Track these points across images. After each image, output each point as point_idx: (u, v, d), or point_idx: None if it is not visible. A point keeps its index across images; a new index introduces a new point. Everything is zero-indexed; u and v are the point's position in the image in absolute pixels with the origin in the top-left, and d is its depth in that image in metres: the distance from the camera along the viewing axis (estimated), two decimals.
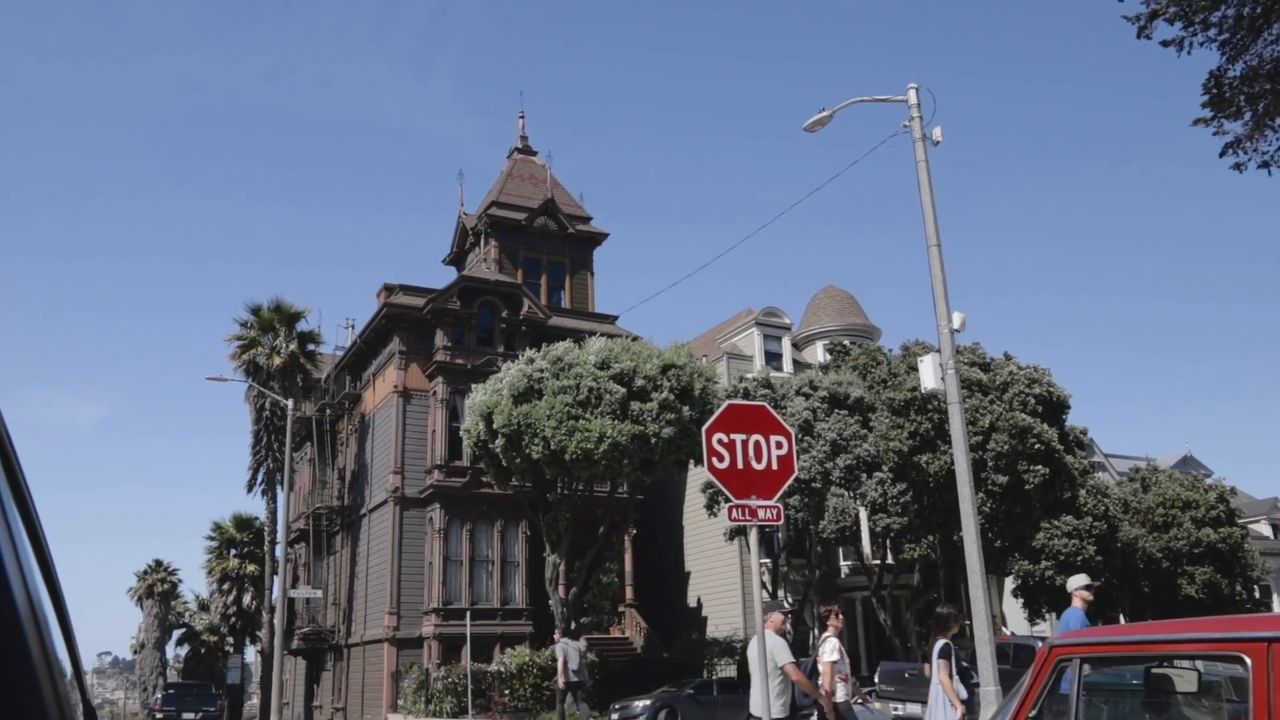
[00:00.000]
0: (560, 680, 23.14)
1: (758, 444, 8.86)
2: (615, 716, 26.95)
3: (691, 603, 39.93)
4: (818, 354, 42.37)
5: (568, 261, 44.35)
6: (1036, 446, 31.32)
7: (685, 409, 27.54)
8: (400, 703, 32.00)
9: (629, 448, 26.26)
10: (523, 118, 49.71)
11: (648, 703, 26.68)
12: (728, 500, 9.06)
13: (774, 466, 8.86)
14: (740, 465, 8.75)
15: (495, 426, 26.93)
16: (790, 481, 9.19)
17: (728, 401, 9.26)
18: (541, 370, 27.45)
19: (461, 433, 29.48)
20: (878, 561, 36.32)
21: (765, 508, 8.82)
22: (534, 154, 48.32)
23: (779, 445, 8.94)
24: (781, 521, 9.69)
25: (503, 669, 30.39)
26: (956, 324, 14.20)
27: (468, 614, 30.74)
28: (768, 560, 35.84)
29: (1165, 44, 22.75)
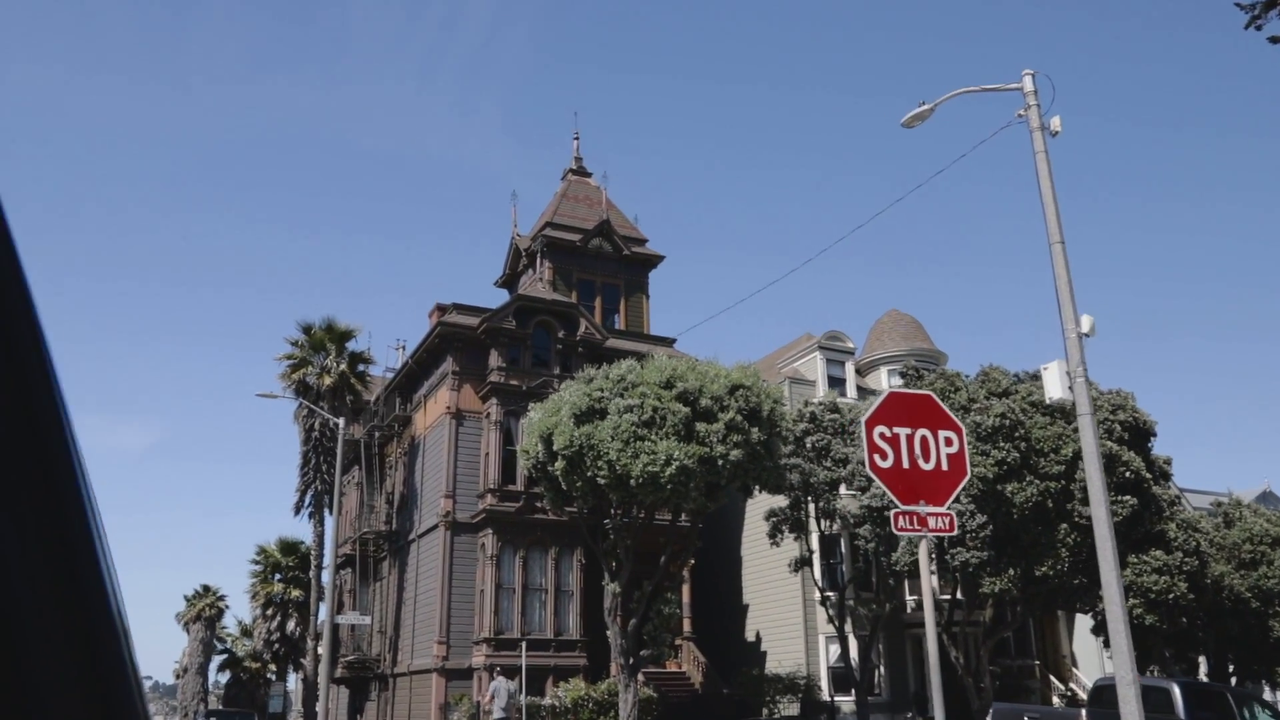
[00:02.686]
0: (483, 716, 25.27)
1: (924, 440, 7.53)
2: None
3: (750, 637, 38.31)
4: (882, 380, 40.81)
5: (622, 284, 43.24)
6: (1126, 475, 29.58)
7: (754, 431, 26.14)
8: None
9: (695, 471, 24.89)
10: (577, 139, 48.85)
11: None
12: (893, 506, 7.67)
13: (944, 466, 7.52)
14: (906, 464, 7.42)
15: (555, 448, 25.66)
16: (964, 485, 7.81)
17: (888, 389, 7.90)
18: (603, 390, 26.19)
19: (518, 454, 28.26)
20: (947, 596, 34.57)
21: (936, 515, 7.47)
22: (588, 175, 47.41)
23: (949, 442, 7.60)
24: (955, 531, 8.29)
25: (557, 703, 29.00)
26: (1085, 328, 12.77)
27: (522, 644, 29.38)
28: (832, 593, 34.21)
29: (1275, 40, 21.13)
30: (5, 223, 0.91)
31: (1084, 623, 44.75)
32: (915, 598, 37.83)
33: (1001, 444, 29.36)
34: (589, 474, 25.37)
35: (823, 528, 33.22)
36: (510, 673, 31.64)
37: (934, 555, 29.54)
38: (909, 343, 41.02)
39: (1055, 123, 14.12)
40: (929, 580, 7.84)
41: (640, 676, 27.61)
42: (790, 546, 34.80)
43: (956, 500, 29.68)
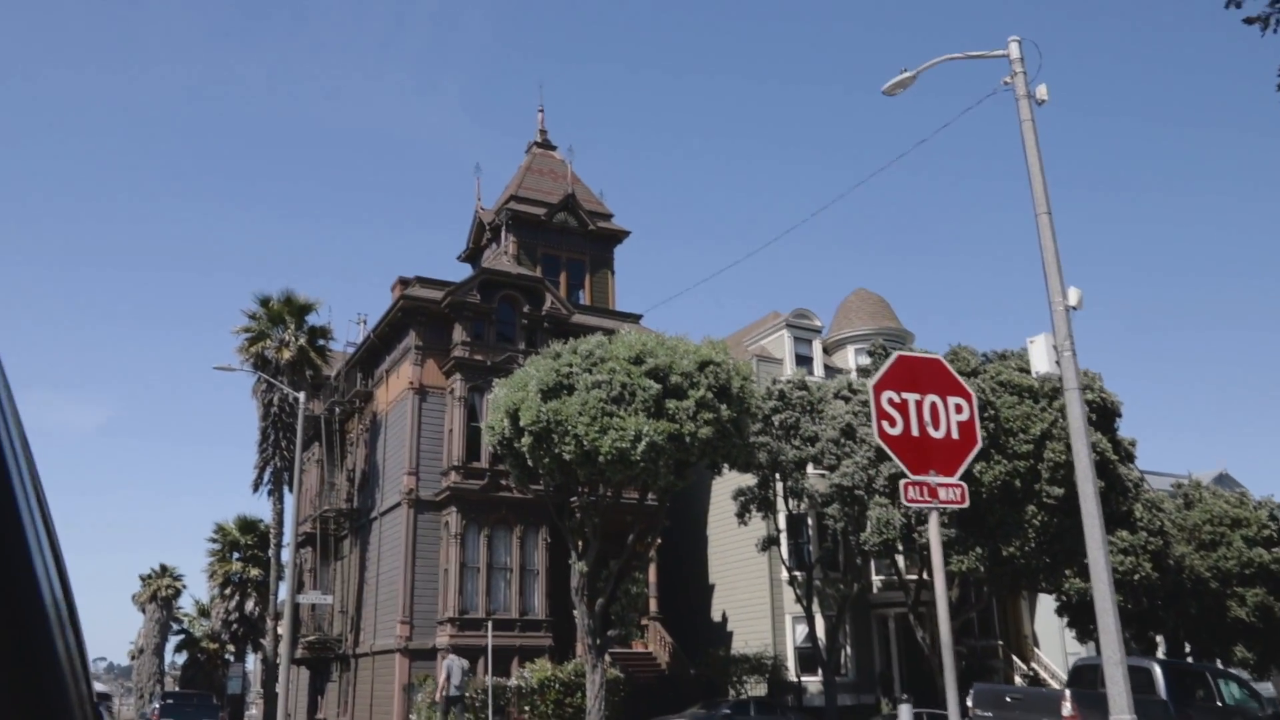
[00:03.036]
0: (439, 694, 25.41)
1: (934, 406, 7.15)
2: None
3: (716, 617, 38.09)
4: (849, 358, 40.61)
5: (588, 259, 42.71)
6: (1094, 456, 29.51)
7: (724, 408, 25.76)
8: (413, 717, 30.16)
9: (665, 448, 24.47)
10: (541, 111, 48.12)
11: None
12: (902, 476, 7.26)
13: (954, 435, 7.16)
14: (915, 432, 7.04)
15: (522, 424, 25.11)
16: (974, 455, 7.42)
17: (896, 353, 7.47)
18: (571, 365, 25.68)
19: (483, 430, 27.68)
20: (914, 577, 34.51)
21: (947, 486, 7.08)
22: (553, 149, 46.73)
23: (959, 409, 7.23)
24: (966, 504, 7.90)
25: (523, 684, 28.60)
26: (1073, 300, 12.47)
27: (489, 624, 28.92)
28: (799, 573, 34.04)
29: (1249, 21, 20.91)
30: None
31: (1046, 603, 44.95)
32: (881, 578, 37.76)
33: None
34: (556, 450, 24.87)
35: (790, 507, 32.97)
36: (474, 653, 31.19)
37: (901, 535, 29.41)
38: (876, 322, 40.82)
39: (1041, 91, 13.77)
40: (940, 555, 7.42)
41: (607, 657, 27.23)
42: (757, 526, 34.56)
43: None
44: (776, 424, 31.02)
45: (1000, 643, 41.54)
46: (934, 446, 7.18)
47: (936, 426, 7.15)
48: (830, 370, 39.27)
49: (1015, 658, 42.31)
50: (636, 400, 24.79)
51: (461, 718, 25.62)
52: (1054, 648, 44.10)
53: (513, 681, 28.61)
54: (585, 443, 24.19)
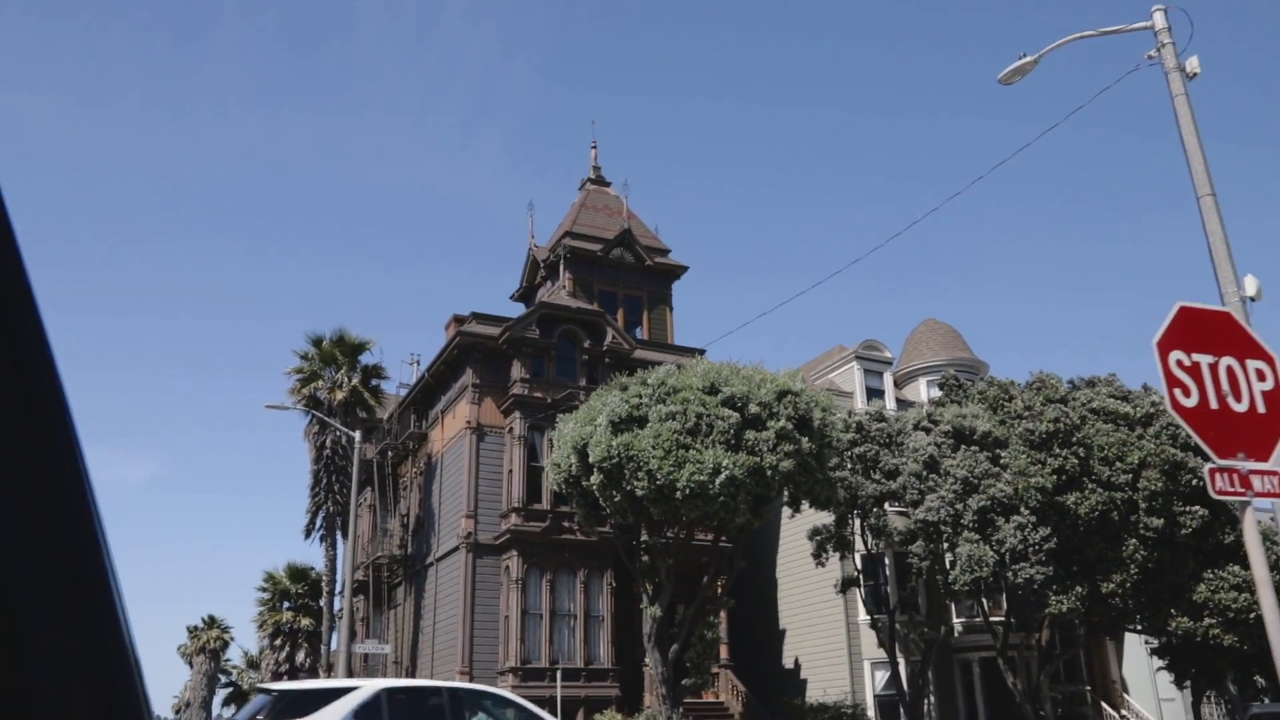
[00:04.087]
0: None
1: (1231, 372, 5.64)
2: None
3: (788, 664, 36.19)
4: (920, 391, 38.92)
5: (645, 295, 41.43)
6: (1194, 483, 27.62)
7: (804, 440, 24.26)
8: None
9: (745, 482, 22.97)
10: (595, 147, 47.23)
11: None
12: (1206, 460, 5.76)
13: (1259, 408, 5.64)
14: (1214, 404, 5.54)
15: (592, 460, 23.74)
16: None
17: (1178, 304, 6.00)
18: (641, 396, 24.33)
19: (548, 469, 26.32)
20: (999, 619, 32.55)
21: (1262, 475, 5.57)
22: (607, 184, 45.75)
23: (1261, 375, 5.71)
24: None
25: None
26: (1250, 290, 10.90)
27: (558, 673, 27.35)
28: (881, 616, 32.21)
29: None
30: (12, 233, 0.91)
31: (1133, 646, 42.63)
32: (962, 620, 35.75)
33: (1058, 450, 27.45)
34: (628, 487, 23.45)
35: (869, 546, 31.22)
36: (539, 705, 29.57)
37: (993, 573, 27.56)
38: (948, 352, 39.15)
39: (1192, 63, 12.35)
40: (1263, 558, 5.89)
41: (680, 708, 25.54)
42: (832, 568, 32.85)
43: (1017, 512, 27.78)
44: (854, 458, 29.40)
45: (1088, 688, 39.23)
46: (1239, 422, 5.70)
47: (1238, 398, 5.68)
48: (902, 403, 37.60)
49: (1105, 704, 39.95)
50: (714, 432, 23.38)
51: None
52: (1144, 693, 41.65)
53: None
54: (660, 477, 22.75)
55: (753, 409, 23.81)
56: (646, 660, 31.39)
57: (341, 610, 41.56)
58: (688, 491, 22.47)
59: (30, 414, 0.87)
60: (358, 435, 28.42)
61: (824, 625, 34.41)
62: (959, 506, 27.51)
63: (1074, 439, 27.39)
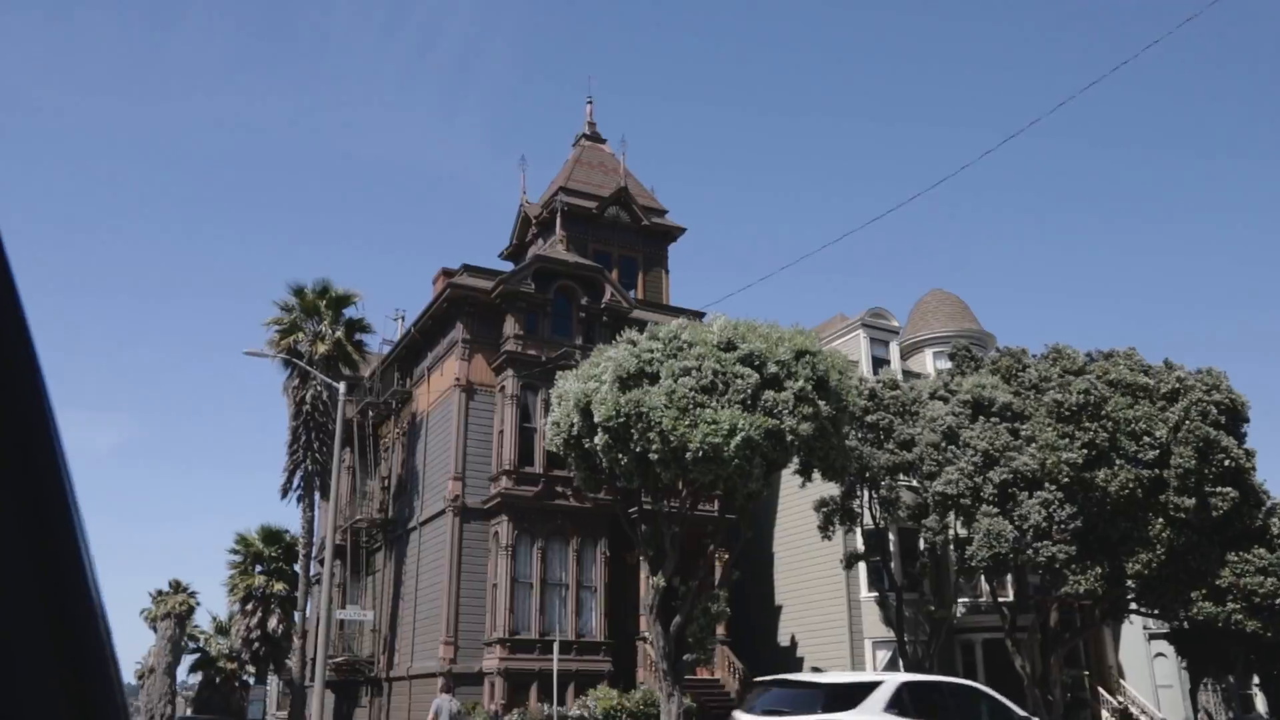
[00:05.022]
0: None
1: None
2: None
3: (784, 641, 34.82)
4: (926, 363, 37.47)
5: (641, 257, 39.67)
6: (1225, 464, 26.34)
7: (823, 404, 22.68)
8: None
9: (761, 445, 21.36)
10: (590, 103, 45.28)
11: None
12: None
13: None
14: None
15: (597, 419, 22.01)
16: None
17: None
18: (652, 351, 22.63)
19: (545, 428, 24.58)
20: (1008, 599, 31.27)
21: None
22: (603, 141, 43.87)
23: None
24: None
25: (585, 714, 25.39)
26: None
27: (555, 645, 25.72)
28: (890, 594, 30.86)
29: None
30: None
31: (1130, 632, 41.58)
32: (966, 600, 34.47)
33: (1086, 424, 26.05)
34: (636, 448, 21.75)
35: (875, 520, 29.78)
36: (526, 679, 28.05)
37: (1013, 549, 26.17)
38: (956, 323, 37.71)
39: None
40: None
41: (680, 684, 23.98)
42: (835, 543, 31.47)
43: (1041, 487, 26.37)
44: (866, 426, 27.89)
45: (1086, 673, 38.12)
46: None
47: None
48: (908, 375, 36.12)
49: (1102, 689, 38.88)
50: (730, 391, 21.73)
51: None
52: (1141, 679, 40.66)
53: (574, 712, 25.39)
54: (672, 438, 21.08)
55: (771, 368, 22.19)
56: (645, 633, 29.88)
57: (319, 575, 39.76)
58: (700, 454, 20.83)
59: (13, 413, 0.87)
60: (342, 387, 26.55)
61: (824, 602, 33.02)
62: (978, 480, 26.09)
63: (1102, 413, 25.99)
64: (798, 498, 33.48)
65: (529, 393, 30.70)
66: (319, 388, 32.08)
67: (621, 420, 21.72)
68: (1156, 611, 29.85)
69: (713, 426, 20.85)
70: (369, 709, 35.55)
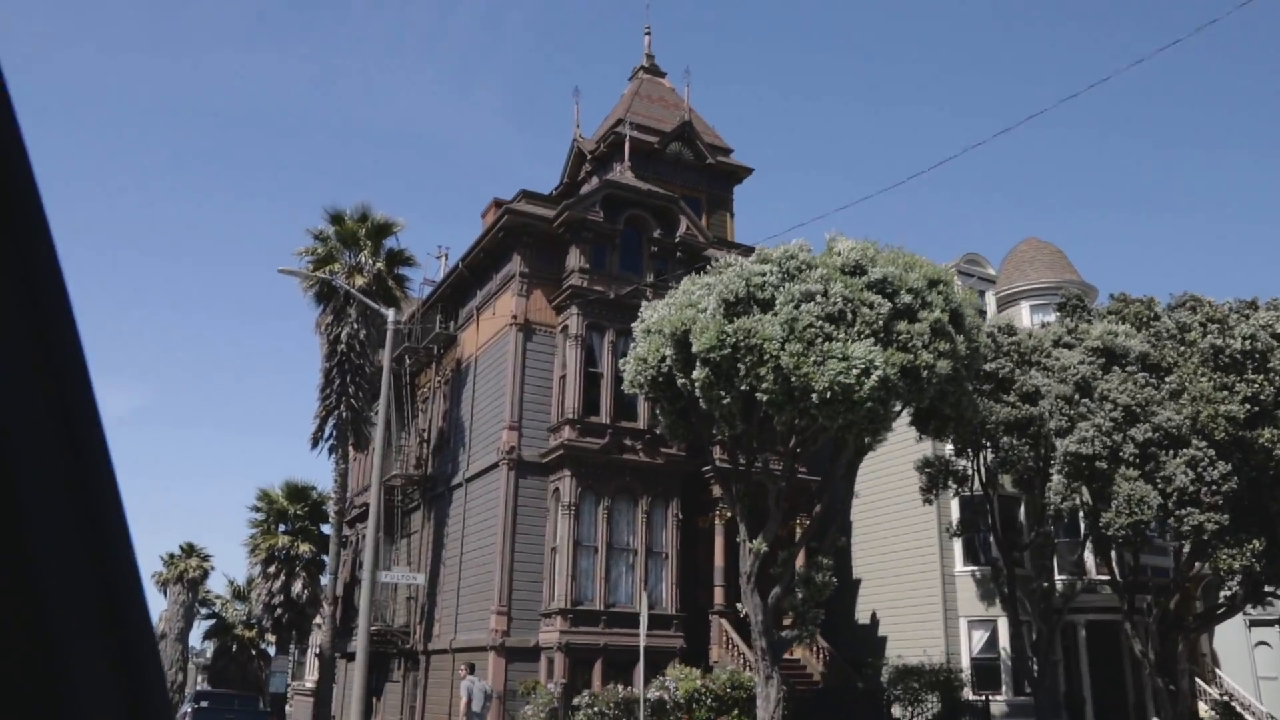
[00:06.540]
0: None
1: None
2: None
3: (863, 618, 31.50)
4: (1024, 315, 33.96)
5: (704, 197, 36.14)
6: None
7: (960, 340, 19.32)
8: None
9: (897, 386, 18.00)
10: (648, 34, 41.74)
11: None
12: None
13: None
14: None
15: (696, 350, 18.64)
16: None
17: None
18: (764, 274, 19.21)
19: (628, 365, 21.13)
20: (1103, 577, 27.96)
21: None
22: (662, 75, 40.33)
23: None
24: None
25: (666, 695, 22.12)
26: None
27: (642, 616, 22.18)
28: (983, 568, 27.57)
29: None
30: (38, 198, 0.93)
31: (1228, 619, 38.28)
32: (1064, 578, 31.10)
33: (1251, 376, 22.61)
34: (744, 386, 18.37)
35: (984, 483, 26.40)
36: (588, 655, 24.84)
37: (1156, 517, 22.79)
38: (1055, 274, 34.16)
39: None
40: None
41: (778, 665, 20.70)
42: (926, 511, 28.20)
43: (1188, 445, 23.00)
44: (982, 376, 24.46)
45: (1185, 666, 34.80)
46: None
47: None
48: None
49: (1197, 680, 35.56)
50: (858, 321, 18.34)
51: None
52: (1241, 669, 37.27)
53: (652, 693, 22.10)
54: (793, 377, 17.70)
55: (904, 297, 18.78)
56: (721, 606, 26.63)
57: (350, 536, 36.59)
58: (830, 394, 17.45)
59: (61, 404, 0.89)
60: (391, 314, 23.13)
61: (913, 576, 29.68)
62: (1117, 438, 22.67)
63: (1269, 364, 22.53)
64: (878, 458, 30.13)
65: (594, 334, 27.34)
66: (355, 325, 28.73)
67: (727, 352, 18.32)
68: None
69: (843, 363, 17.45)
70: (402, 683, 32.42)
